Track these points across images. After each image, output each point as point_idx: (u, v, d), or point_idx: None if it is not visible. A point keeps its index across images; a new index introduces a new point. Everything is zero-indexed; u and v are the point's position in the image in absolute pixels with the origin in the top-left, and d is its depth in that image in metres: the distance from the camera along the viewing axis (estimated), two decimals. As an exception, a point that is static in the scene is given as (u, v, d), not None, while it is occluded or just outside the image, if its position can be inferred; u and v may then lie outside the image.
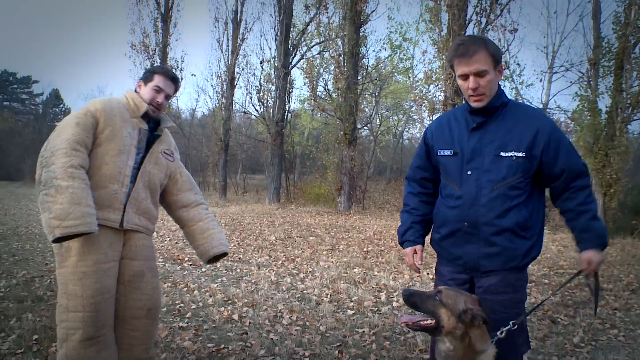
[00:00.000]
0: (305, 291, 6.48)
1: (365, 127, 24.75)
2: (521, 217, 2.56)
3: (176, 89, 3.36)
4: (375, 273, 7.79)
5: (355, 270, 7.96)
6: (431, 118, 16.52)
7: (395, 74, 30.80)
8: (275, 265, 8.19)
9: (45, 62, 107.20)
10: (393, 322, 5.24)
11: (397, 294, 6.48)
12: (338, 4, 19.95)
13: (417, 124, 35.41)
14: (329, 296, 6.23)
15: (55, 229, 2.61)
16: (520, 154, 2.55)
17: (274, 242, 10.82)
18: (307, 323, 5.10)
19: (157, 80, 3.21)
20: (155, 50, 25.33)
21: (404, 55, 31.21)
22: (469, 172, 2.64)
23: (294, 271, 7.79)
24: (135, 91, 3.25)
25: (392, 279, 7.35)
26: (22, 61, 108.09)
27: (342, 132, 18.61)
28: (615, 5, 14.70)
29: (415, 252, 2.91)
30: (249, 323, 5.05)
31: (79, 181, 2.72)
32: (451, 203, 2.72)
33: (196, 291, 6.33)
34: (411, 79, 33.30)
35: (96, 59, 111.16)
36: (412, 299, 2.42)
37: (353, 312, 5.59)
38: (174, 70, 26.33)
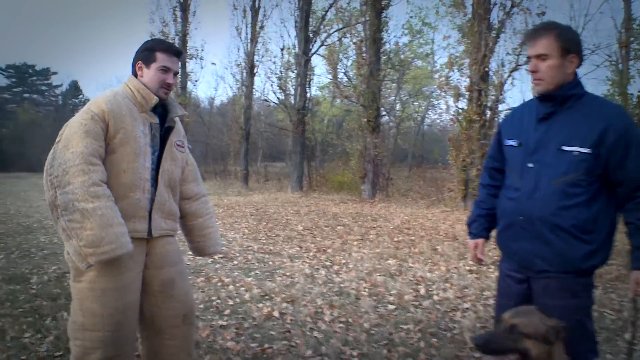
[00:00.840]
0: (342, 285, 6.33)
1: (386, 114, 24.40)
2: (580, 217, 2.39)
3: (179, 62, 3.08)
4: (410, 264, 7.64)
5: (389, 261, 7.81)
6: (456, 104, 16.31)
7: (415, 59, 30.50)
8: (307, 257, 8.06)
9: (63, 53, 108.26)
10: (437, 317, 5.10)
11: (435, 286, 6.33)
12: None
13: (436, 109, 35.19)
14: (367, 290, 6.08)
15: (89, 257, 2.40)
16: (585, 150, 2.36)
17: (302, 232, 10.70)
18: (350, 320, 4.96)
19: (162, 59, 2.83)
20: (174, 40, 25.26)
21: (424, 40, 30.92)
22: (530, 165, 2.51)
23: (327, 263, 7.66)
24: (135, 75, 2.88)
25: (428, 271, 7.20)
26: (41, 53, 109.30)
27: (365, 119, 18.41)
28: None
29: (477, 245, 2.86)
30: (290, 320, 4.92)
31: (104, 200, 2.48)
32: (510, 194, 2.62)
33: (231, 286, 6.21)
34: (432, 64, 33.01)
35: (114, 49, 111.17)
36: (490, 345, 2.20)
37: (394, 306, 5.44)
38: (188, 54, 26.27)
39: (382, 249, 8.72)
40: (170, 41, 26.14)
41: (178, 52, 2.94)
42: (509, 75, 15.34)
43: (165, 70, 2.83)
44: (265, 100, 26.27)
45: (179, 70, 3.01)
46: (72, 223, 2.39)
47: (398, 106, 28.73)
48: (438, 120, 39.44)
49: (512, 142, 2.66)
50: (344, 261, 7.79)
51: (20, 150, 46.22)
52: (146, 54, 2.85)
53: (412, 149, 33.38)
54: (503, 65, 15.45)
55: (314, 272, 7.04)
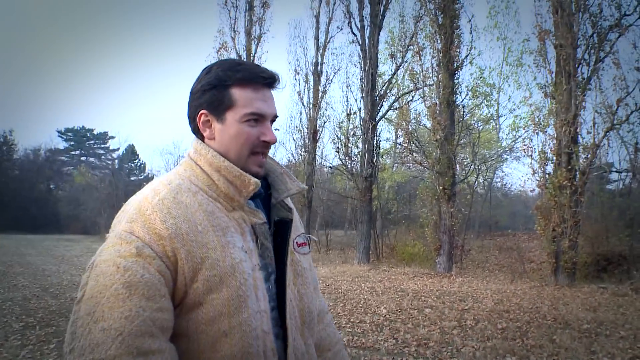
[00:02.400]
0: (470, 399, 5.09)
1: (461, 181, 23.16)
2: None
3: None
4: (536, 364, 6.34)
5: (508, 359, 6.52)
6: (544, 169, 15.01)
7: (480, 123, 29.43)
8: (409, 354, 6.81)
9: (121, 118, 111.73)
10: None
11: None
12: (428, 50, 18.76)
13: (498, 173, 33.78)
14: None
15: None
16: None
17: (387, 316, 9.44)
18: None
19: (246, 99, 1.54)
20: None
21: (487, 102, 29.92)
22: None
23: (437, 363, 6.41)
24: (201, 136, 1.61)
25: (561, 373, 5.89)
26: (99, 117, 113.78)
27: (440, 187, 17.20)
28: None
29: None
30: None
31: None
32: None
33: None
34: (496, 127, 31.87)
35: (172, 114, 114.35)
36: None
37: None
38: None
39: (494, 342, 7.41)
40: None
41: (274, 80, 1.60)
42: (604, 136, 14.05)
43: (256, 119, 1.56)
44: (330, 167, 25.44)
45: (277, 113, 1.64)
46: None
47: (474, 173, 27.49)
48: (499, 185, 38.09)
49: None
50: (455, 360, 6.53)
51: (75, 212, 47.20)
52: (213, 94, 1.55)
53: (479, 216, 31.87)
54: (594, 124, 14.20)
55: (426, 377, 5.81)
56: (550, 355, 6.75)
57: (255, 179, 1.53)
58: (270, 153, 1.71)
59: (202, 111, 1.57)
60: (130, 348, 1.25)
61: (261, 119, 1.55)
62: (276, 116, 1.62)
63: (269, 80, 1.57)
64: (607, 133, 14.04)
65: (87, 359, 1.23)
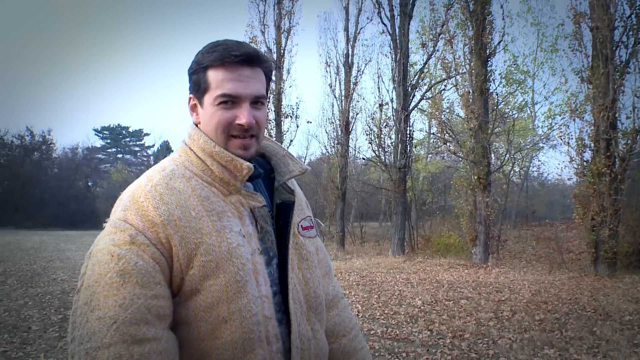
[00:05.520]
0: (507, 392, 4.95)
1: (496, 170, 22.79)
2: None
3: (268, 77, 1.59)
4: (575, 356, 6.15)
5: (546, 351, 6.35)
6: (581, 156, 14.62)
7: (514, 111, 28.95)
8: (445, 346, 6.68)
9: (156, 114, 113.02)
10: None
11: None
12: (460, 38, 18.41)
13: (535, 162, 33.18)
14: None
15: None
16: None
17: (422, 307, 9.31)
18: None
19: (218, 80, 1.48)
20: (269, 98, 24.87)
21: (522, 89, 29.42)
22: None
23: (474, 355, 6.26)
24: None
25: (602, 366, 5.71)
26: (135, 115, 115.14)
27: (475, 177, 16.93)
28: None
29: None
30: None
31: None
32: None
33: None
34: (532, 114, 31.32)
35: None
36: None
37: None
38: (283, 113, 25.35)
39: (531, 334, 7.24)
40: (266, 100, 22.37)
41: (249, 57, 1.50)
42: (645, 120, 13.63)
43: (229, 101, 1.48)
44: (364, 159, 25.31)
45: (267, 94, 1.60)
46: None
47: (510, 161, 27.12)
48: (536, 174, 37.50)
49: None
50: (491, 352, 6.38)
51: (112, 209, 47.79)
52: (195, 78, 1.54)
53: (516, 206, 31.40)
54: (634, 109, 13.76)
55: (462, 370, 5.68)
56: (591, 347, 6.56)
57: (248, 163, 1.50)
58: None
59: (189, 95, 1.59)
60: (124, 336, 1.25)
61: (236, 100, 1.49)
62: (258, 96, 1.52)
63: (240, 58, 1.48)
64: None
65: (85, 348, 1.25)
